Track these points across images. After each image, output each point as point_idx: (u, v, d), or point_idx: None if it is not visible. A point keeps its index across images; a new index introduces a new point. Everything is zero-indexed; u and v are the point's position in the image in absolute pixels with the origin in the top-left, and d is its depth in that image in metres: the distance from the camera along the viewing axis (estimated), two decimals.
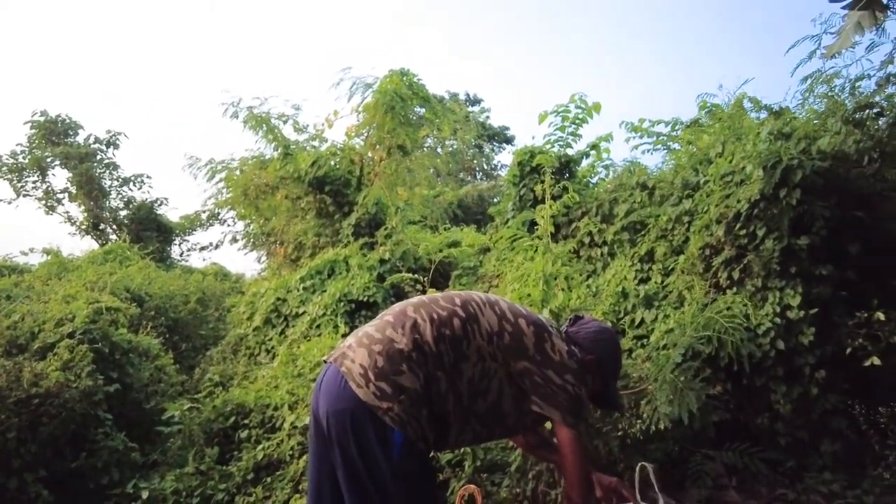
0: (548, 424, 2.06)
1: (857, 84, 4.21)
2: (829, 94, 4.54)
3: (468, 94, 26.33)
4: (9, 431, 3.93)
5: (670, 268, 4.63)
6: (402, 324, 1.74)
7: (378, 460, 1.63)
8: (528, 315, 1.90)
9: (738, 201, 4.05)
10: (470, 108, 23.73)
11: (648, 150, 6.61)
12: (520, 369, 1.82)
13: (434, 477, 1.86)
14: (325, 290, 7.01)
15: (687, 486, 3.20)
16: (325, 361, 1.88)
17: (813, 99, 4.77)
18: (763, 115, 5.23)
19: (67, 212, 18.25)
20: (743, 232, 3.99)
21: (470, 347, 1.77)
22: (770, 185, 3.83)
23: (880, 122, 4.07)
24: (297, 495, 3.61)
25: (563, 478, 1.86)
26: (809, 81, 4.47)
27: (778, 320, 3.59)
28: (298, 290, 7.33)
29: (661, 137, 6.51)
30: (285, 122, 8.56)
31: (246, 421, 4.38)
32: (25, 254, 18.07)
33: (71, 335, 4.83)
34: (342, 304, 6.53)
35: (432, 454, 1.88)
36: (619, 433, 3.01)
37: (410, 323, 1.74)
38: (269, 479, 3.73)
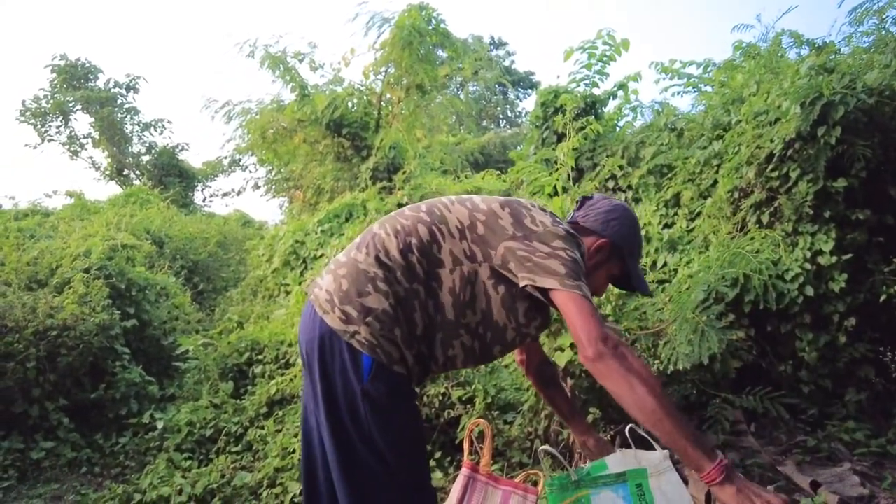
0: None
1: None
2: (880, 26, 4.21)
3: (493, 38, 25.45)
4: (28, 361, 4.01)
5: (696, 212, 4.45)
6: (367, 243, 1.65)
7: (351, 380, 1.57)
8: (503, 199, 1.74)
9: (772, 141, 3.82)
10: (494, 52, 22.97)
11: (679, 93, 6.33)
12: (502, 254, 1.62)
13: (411, 405, 1.67)
14: (342, 234, 6.97)
15: (704, 430, 3.13)
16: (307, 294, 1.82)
17: (860, 34, 4.44)
18: (804, 51, 4.90)
19: (91, 157, 18.42)
20: (775, 174, 3.78)
21: (442, 251, 1.63)
22: (808, 122, 3.58)
23: None
24: None
25: (573, 333, 1.55)
26: (858, 12, 4.13)
27: (808, 266, 3.42)
28: (316, 234, 7.30)
29: (693, 79, 6.20)
30: (301, 61, 8.33)
31: (260, 357, 4.40)
32: (49, 196, 18.35)
33: (87, 270, 4.86)
34: None
35: (418, 381, 1.70)
36: None
37: (375, 240, 1.65)
38: (280, 413, 3.75)
